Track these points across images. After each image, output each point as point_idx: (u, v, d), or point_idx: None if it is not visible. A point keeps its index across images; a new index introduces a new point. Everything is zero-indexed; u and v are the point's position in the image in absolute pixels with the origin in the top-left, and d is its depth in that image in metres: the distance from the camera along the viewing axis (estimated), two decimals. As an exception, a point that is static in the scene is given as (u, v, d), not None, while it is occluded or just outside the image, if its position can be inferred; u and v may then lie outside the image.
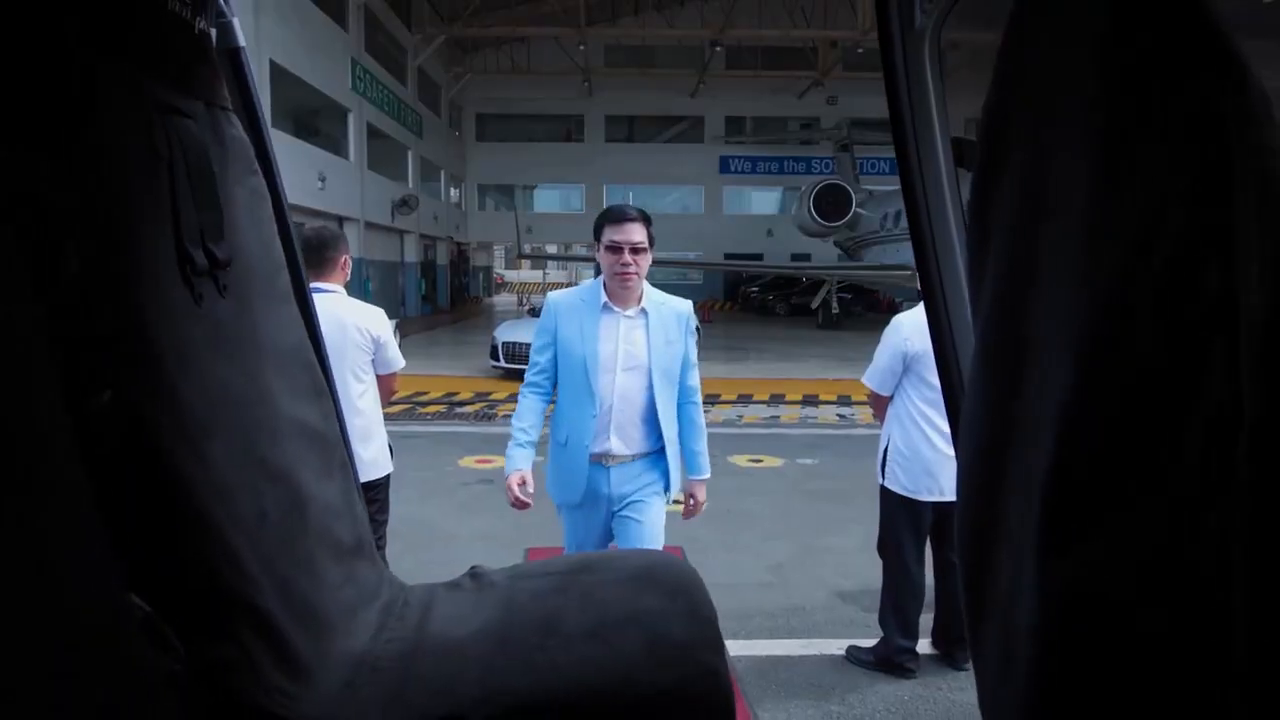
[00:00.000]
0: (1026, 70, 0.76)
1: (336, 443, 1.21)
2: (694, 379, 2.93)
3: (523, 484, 2.79)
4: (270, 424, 1.04)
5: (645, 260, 2.78)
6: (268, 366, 1.07)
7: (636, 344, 2.80)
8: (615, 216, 2.79)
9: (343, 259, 3.44)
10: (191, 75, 1.01)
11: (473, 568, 1.28)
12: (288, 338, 1.15)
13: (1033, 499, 0.70)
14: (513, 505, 2.83)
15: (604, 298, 2.80)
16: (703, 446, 2.95)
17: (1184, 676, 0.59)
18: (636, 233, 2.75)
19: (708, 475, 2.95)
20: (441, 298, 28.73)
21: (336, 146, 19.65)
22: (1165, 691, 0.61)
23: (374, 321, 3.44)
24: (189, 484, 0.84)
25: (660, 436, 2.84)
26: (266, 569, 0.93)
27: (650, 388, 2.80)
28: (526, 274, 46.55)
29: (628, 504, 2.84)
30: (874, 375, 3.42)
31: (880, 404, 3.48)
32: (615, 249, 2.74)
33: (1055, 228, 0.71)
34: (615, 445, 2.81)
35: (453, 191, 31.68)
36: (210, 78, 1.06)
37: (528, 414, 2.91)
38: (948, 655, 3.42)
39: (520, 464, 2.83)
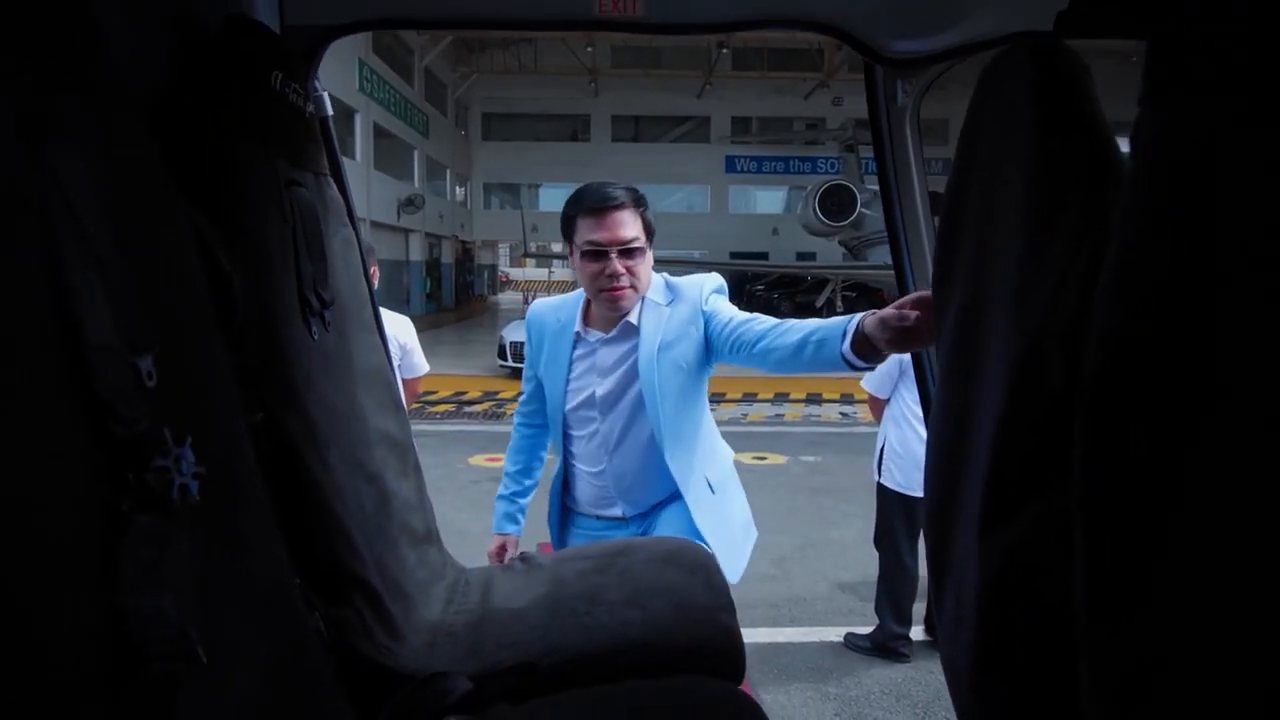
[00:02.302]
0: (976, 160, 1.00)
1: (410, 448, 1.44)
2: (748, 324, 1.86)
3: (501, 554, 2.09)
4: (364, 434, 1.27)
5: (644, 265, 1.91)
6: (359, 387, 1.30)
7: (620, 380, 1.97)
8: (593, 203, 1.85)
9: (372, 269, 3.69)
10: (304, 151, 1.24)
11: (522, 553, 1.52)
12: (373, 361, 1.38)
13: (976, 487, 0.93)
14: None
15: (578, 323, 2.01)
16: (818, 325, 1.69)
17: (1073, 624, 0.81)
18: (626, 225, 1.84)
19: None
20: (447, 296, 28.97)
21: (343, 146, 19.31)
22: (1066, 635, 0.83)
23: (401, 329, 3.68)
24: (318, 485, 1.07)
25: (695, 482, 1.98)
26: (369, 552, 1.16)
27: (651, 426, 1.94)
28: (531, 272, 46.78)
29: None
30: (872, 379, 3.64)
31: (877, 406, 3.71)
32: (596, 253, 1.85)
33: (997, 278, 0.94)
34: (625, 510, 2.04)
35: (458, 190, 31.92)
36: (315, 151, 1.29)
37: (515, 455, 2.19)
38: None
39: (503, 525, 2.14)
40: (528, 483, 2.19)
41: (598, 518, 2.08)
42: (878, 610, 3.67)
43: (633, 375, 1.95)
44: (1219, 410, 0.54)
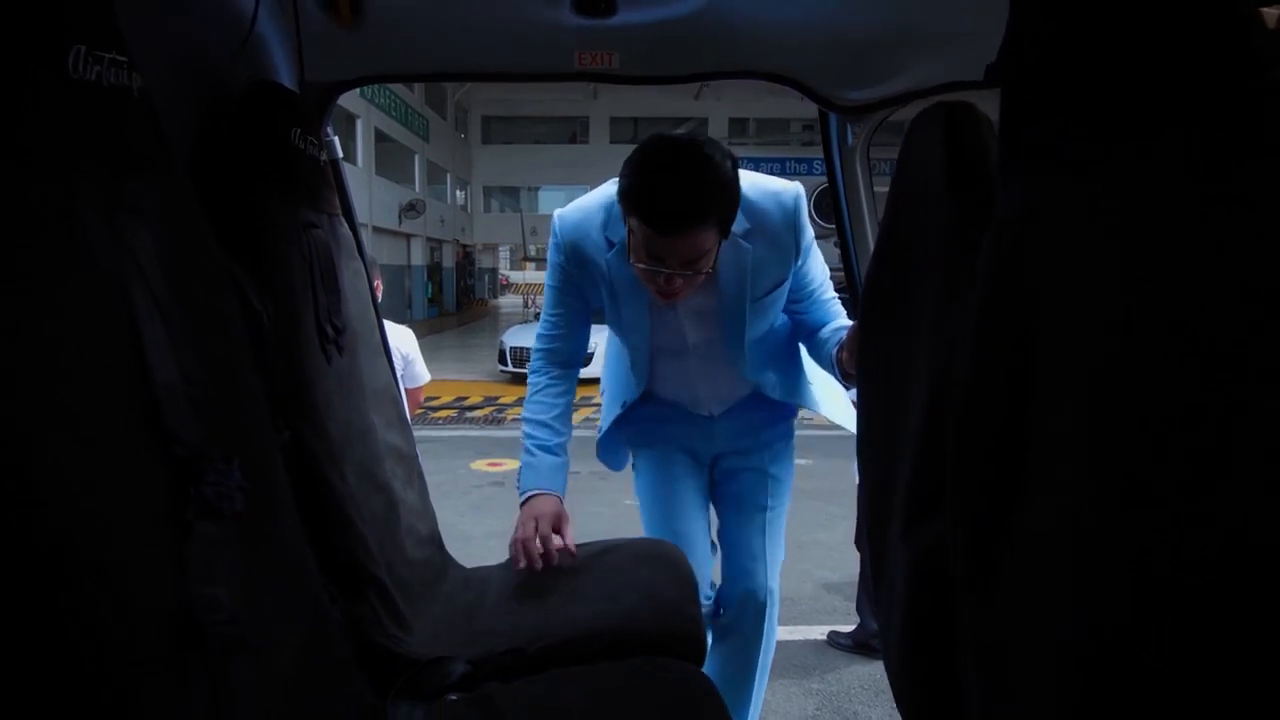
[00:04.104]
0: (903, 201, 1.16)
1: (414, 458, 1.60)
2: (825, 294, 1.76)
3: (556, 524, 1.56)
4: (375, 448, 1.43)
5: (706, 268, 1.54)
6: (370, 405, 1.46)
7: (710, 323, 1.73)
8: (661, 216, 1.44)
9: (375, 283, 3.85)
10: (319, 196, 1.40)
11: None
12: (381, 381, 1.54)
13: (902, 493, 1.09)
14: (521, 559, 1.53)
15: None
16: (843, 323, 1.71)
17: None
18: (697, 240, 1.47)
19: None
20: (449, 300, 29.10)
21: (345, 152, 19.83)
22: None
23: (403, 340, 3.84)
24: (337, 495, 1.23)
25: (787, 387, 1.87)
26: (380, 553, 1.32)
27: (738, 358, 1.76)
28: (531, 275, 46.90)
29: (736, 477, 1.93)
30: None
31: (859, 413, 3.87)
32: (652, 270, 1.51)
33: (918, 308, 1.09)
34: (714, 408, 1.89)
35: (458, 194, 32.07)
36: (329, 195, 1.45)
37: (549, 401, 1.74)
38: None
39: (541, 480, 1.65)
40: (565, 432, 1.74)
41: (680, 408, 1.90)
42: (859, 609, 3.83)
43: (721, 316, 1.71)
44: (1040, 442, 0.70)
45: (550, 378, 1.77)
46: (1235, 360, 0.55)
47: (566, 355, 1.78)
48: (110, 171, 0.81)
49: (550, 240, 1.77)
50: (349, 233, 1.53)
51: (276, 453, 1.04)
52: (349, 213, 1.59)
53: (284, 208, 1.25)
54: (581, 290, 1.73)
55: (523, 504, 1.63)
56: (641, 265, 1.53)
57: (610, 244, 1.64)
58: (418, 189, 25.25)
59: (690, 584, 1.49)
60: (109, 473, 0.74)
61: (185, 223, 0.96)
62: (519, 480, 1.71)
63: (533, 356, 1.81)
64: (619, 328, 1.79)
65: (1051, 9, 0.69)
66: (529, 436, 1.71)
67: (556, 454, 1.70)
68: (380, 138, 21.85)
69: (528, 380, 1.78)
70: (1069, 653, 0.70)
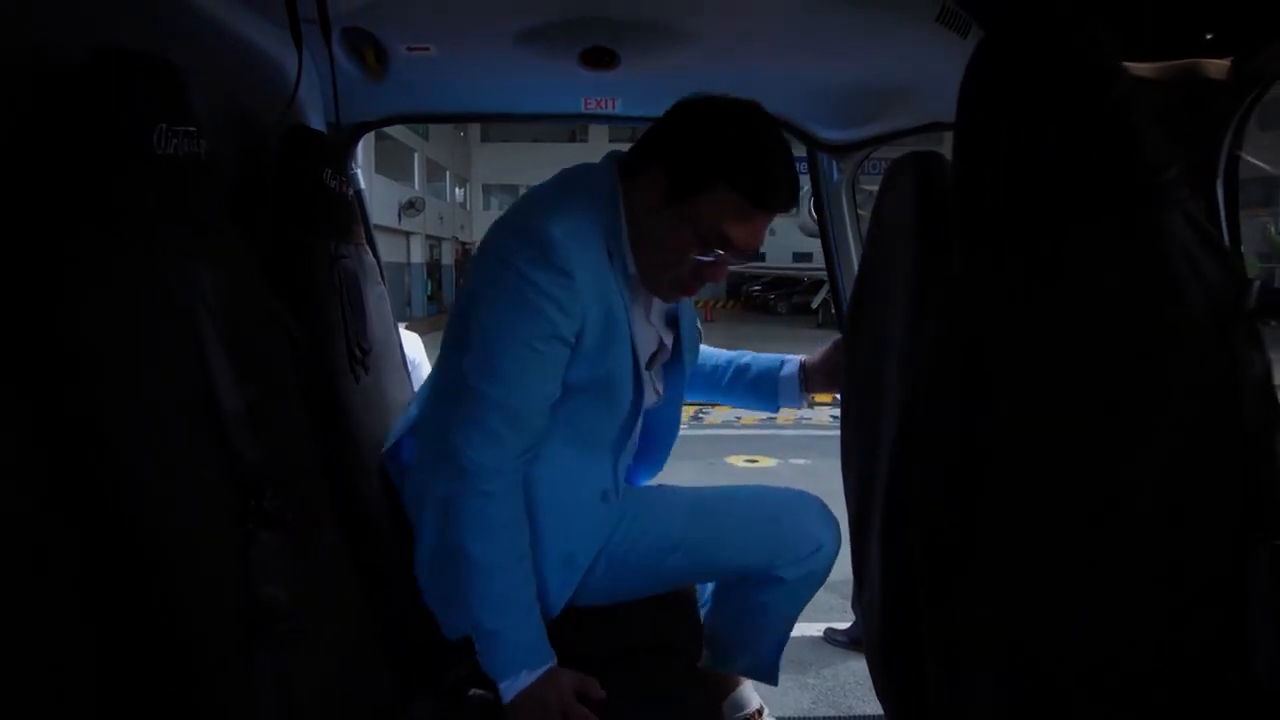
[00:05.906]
0: (880, 237, 1.27)
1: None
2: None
3: (582, 690, 1.27)
4: (397, 459, 1.54)
5: None
6: (392, 419, 1.58)
7: (672, 338, 1.48)
8: (782, 186, 1.26)
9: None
10: (347, 230, 1.51)
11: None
12: (402, 395, 1.66)
13: (878, 507, 1.20)
14: None
15: (638, 295, 1.37)
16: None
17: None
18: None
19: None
20: (448, 297, 29.18)
21: (346, 151, 19.97)
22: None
23: (409, 345, 3.95)
24: (365, 503, 1.34)
25: None
26: (403, 556, 1.43)
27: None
28: (530, 272, 46.73)
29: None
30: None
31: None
32: (705, 259, 1.27)
33: (890, 335, 1.21)
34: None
35: (458, 191, 32.14)
36: (355, 227, 1.56)
37: (521, 531, 1.29)
38: (912, 636, 3.91)
39: (541, 652, 1.28)
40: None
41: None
42: (854, 607, 3.94)
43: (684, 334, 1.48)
44: (989, 469, 0.82)
45: (515, 497, 1.27)
46: (1125, 402, 0.67)
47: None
48: (182, 225, 0.92)
49: (538, 262, 1.24)
50: (373, 260, 1.64)
51: (317, 467, 1.15)
52: (371, 240, 1.71)
53: (317, 243, 1.37)
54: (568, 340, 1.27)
55: (517, 696, 1.23)
56: (694, 254, 1.25)
57: (606, 275, 1.28)
58: (417, 187, 25.31)
59: (688, 587, 1.60)
60: (190, 490, 0.86)
61: (239, 265, 1.07)
62: (488, 650, 1.25)
63: (494, 466, 1.24)
64: (612, 365, 1.32)
65: (985, 128, 0.82)
66: (508, 591, 1.25)
67: (536, 604, 1.29)
68: (380, 136, 21.85)
69: (479, 504, 1.23)
70: (1015, 658, 0.82)
